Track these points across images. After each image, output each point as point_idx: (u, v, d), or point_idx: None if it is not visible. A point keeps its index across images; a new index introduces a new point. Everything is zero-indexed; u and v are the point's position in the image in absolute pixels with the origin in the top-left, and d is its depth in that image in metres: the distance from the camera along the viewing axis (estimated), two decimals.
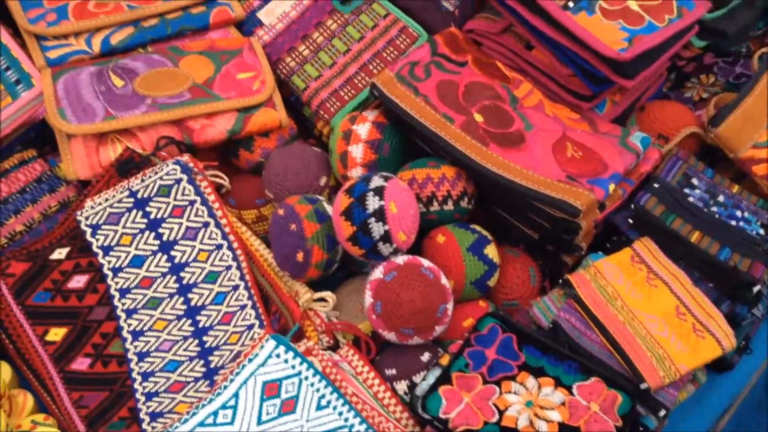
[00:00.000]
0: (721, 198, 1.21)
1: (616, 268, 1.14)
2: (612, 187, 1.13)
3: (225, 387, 1.02)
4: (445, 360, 1.06)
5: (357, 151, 1.20)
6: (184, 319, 1.14)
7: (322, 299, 1.14)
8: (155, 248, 1.17)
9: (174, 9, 1.35)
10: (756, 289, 1.13)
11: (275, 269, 1.17)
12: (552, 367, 1.05)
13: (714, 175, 1.24)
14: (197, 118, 1.25)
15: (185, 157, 1.20)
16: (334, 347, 1.13)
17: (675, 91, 1.44)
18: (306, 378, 1.02)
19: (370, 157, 1.20)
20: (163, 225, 1.18)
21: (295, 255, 1.11)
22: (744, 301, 1.14)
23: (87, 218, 1.17)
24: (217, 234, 1.17)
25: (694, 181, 1.22)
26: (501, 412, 1.00)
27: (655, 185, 1.19)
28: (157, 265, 1.16)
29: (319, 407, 1.01)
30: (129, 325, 1.13)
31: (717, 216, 1.18)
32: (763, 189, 1.24)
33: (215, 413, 1.01)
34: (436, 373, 1.04)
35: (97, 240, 1.16)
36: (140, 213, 1.18)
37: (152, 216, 1.18)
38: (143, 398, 1.08)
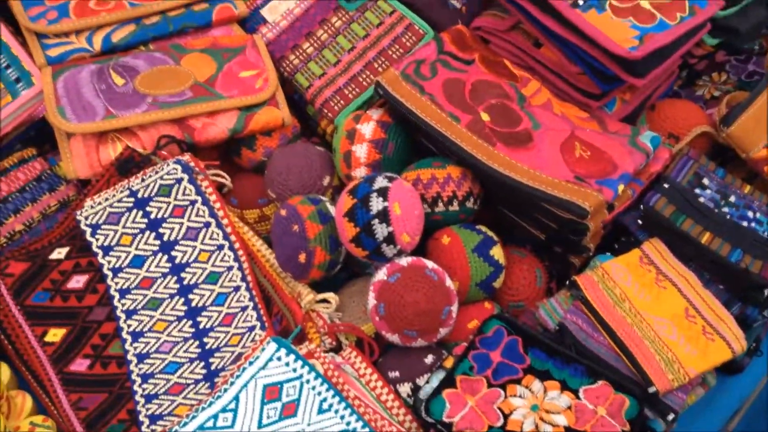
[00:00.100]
0: (732, 198, 1.20)
1: (625, 269, 1.13)
2: (621, 187, 1.12)
3: (225, 390, 1.02)
4: (449, 362, 1.05)
5: (361, 151, 1.19)
6: (185, 320, 1.13)
7: (325, 300, 1.13)
8: (156, 248, 1.16)
9: (176, 6, 1.34)
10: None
11: (277, 270, 1.16)
12: (558, 370, 1.04)
13: (725, 175, 1.23)
14: (199, 117, 1.24)
15: (186, 157, 1.20)
16: (337, 349, 1.12)
17: (686, 90, 1.44)
18: (307, 381, 1.01)
19: (374, 156, 1.19)
20: (164, 225, 1.17)
21: (298, 256, 1.10)
22: (755, 304, 1.13)
23: (87, 218, 1.17)
24: (218, 234, 1.16)
25: (705, 181, 1.21)
26: (506, 416, 0.99)
27: (665, 185, 1.18)
28: (157, 266, 1.16)
29: (320, 411, 1.00)
30: (129, 326, 1.12)
31: (728, 217, 1.18)
32: None
33: (215, 416, 1.00)
34: (440, 375, 1.04)
35: (97, 240, 1.16)
36: (140, 213, 1.17)
37: (153, 216, 1.17)
38: (143, 400, 1.07)
